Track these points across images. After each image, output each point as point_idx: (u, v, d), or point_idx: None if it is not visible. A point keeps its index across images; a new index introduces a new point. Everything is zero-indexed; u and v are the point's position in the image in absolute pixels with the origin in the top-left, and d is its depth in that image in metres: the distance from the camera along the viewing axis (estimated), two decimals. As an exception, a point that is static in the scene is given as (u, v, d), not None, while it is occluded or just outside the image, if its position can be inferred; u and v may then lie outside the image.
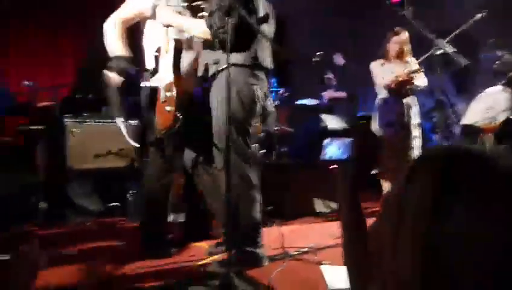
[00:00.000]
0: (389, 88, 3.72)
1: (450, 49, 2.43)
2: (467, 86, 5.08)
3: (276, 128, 4.28)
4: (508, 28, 4.97)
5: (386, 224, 0.63)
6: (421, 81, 3.70)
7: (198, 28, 2.16)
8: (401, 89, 3.71)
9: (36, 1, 4.91)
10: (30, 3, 4.88)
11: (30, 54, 5.03)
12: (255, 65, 2.18)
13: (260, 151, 3.82)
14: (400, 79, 3.61)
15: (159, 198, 2.45)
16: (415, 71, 3.57)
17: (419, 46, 3.60)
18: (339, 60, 5.53)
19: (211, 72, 2.23)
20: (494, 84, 3.80)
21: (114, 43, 2.35)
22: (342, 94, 5.39)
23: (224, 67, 2.10)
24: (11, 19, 4.85)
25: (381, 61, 3.83)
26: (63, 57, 5.18)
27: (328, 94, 5.46)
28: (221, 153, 2.17)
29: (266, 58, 2.24)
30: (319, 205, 3.57)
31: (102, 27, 2.38)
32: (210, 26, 2.09)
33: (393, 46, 3.74)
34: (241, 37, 2.06)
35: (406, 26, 3.55)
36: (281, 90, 4.86)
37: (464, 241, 0.54)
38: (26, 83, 4.29)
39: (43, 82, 4.68)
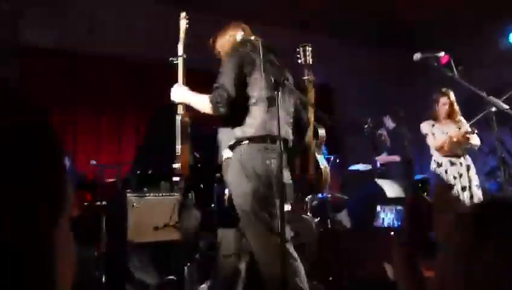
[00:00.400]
0: (444, 150, 3.63)
1: (503, 106, 2.37)
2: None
3: (329, 196, 4.23)
4: None
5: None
6: (475, 140, 3.60)
7: (202, 104, 2.18)
8: (456, 149, 3.62)
9: (100, 85, 5.43)
10: (94, 87, 5.41)
11: (95, 133, 5.48)
12: (266, 137, 2.12)
13: (315, 220, 3.76)
14: (455, 140, 3.53)
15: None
16: (470, 132, 3.50)
17: (469, 106, 3.55)
18: (389, 123, 5.51)
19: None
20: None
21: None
22: (395, 158, 5.29)
23: (233, 142, 2.14)
24: (78, 104, 5.37)
25: (431, 122, 3.80)
26: (125, 136, 5.59)
27: (382, 158, 5.38)
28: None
29: (280, 128, 2.05)
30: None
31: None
32: (211, 102, 2.11)
33: (442, 106, 3.73)
34: (237, 110, 2.08)
35: (455, 86, 3.53)
36: (332, 157, 4.87)
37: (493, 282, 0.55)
38: (93, 162, 4.65)
39: (107, 160, 5.05)
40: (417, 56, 2.59)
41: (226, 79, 2.09)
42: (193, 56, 2.46)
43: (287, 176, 2.21)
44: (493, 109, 2.40)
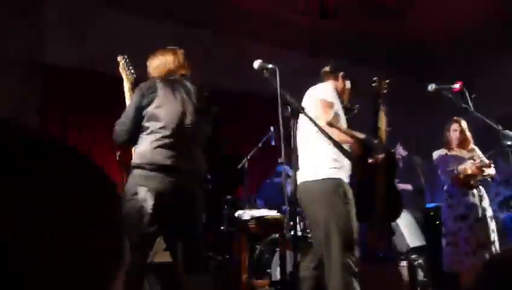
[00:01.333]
0: (457, 180, 3.60)
1: (520, 140, 2.37)
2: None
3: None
4: None
5: None
6: (491, 171, 3.56)
7: None
8: (469, 180, 3.58)
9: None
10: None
11: (111, 153, 5.53)
12: (144, 165, 2.22)
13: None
14: (469, 172, 3.50)
15: None
16: (486, 165, 3.48)
17: (486, 133, 3.54)
18: (400, 151, 5.48)
19: None
20: None
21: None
22: (407, 186, 5.23)
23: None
24: (98, 123, 5.45)
25: (444, 150, 3.78)
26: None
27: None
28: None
29: (169, 157, 2.23)
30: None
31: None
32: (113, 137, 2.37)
33: (452, 133, 3.72)
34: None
35: (470, 114, 3.54)
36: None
37: None
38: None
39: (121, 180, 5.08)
40: (431, 87, 2.61)
41: (125, 114, 2.30)
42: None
43: None
44: (509, 142, 2.39)
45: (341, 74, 2.77)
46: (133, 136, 2.24)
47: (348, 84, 2.78)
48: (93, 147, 5.39)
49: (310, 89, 2.69)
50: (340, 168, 2.45)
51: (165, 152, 2.15)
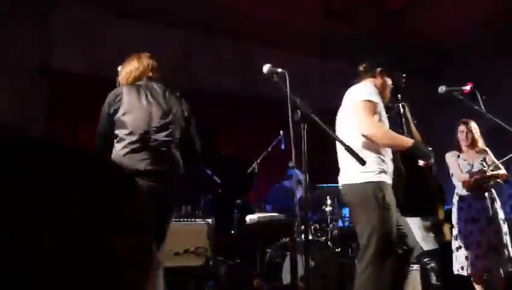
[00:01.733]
0: (468, 184, 3.56)
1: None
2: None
3: (350, 225, 4.17)
4: None
5: None
6: (503, 172, 3.53)
7: None
8: (481, 184, 3.55)
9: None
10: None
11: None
12: None
13: (336, 250, 3.71)
14: (479, 176, 3.48)
15: None
16: (500, 176, 3.46)
17: (500, 134, 3.50)
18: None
19: None
20: None
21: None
22: None
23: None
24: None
25: (456, 152, 3.75)
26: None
27: None
28: None
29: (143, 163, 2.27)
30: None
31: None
32: None
33: (460, 134, 3.71)
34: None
35: (481, 116, 3.51)
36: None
37: None
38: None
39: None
40: (442, 89, 2.59)
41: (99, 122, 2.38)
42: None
43: None
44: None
45: (379, 70, 2.61)
46: (109, 144, 2.30)
47: (388, 80, 2.62)
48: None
49: (349, 90, 2.57)
50: (381, 172, 2.36)
51: (135, 156, 2.19)
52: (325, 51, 6.31)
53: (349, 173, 2.40)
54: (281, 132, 3.94)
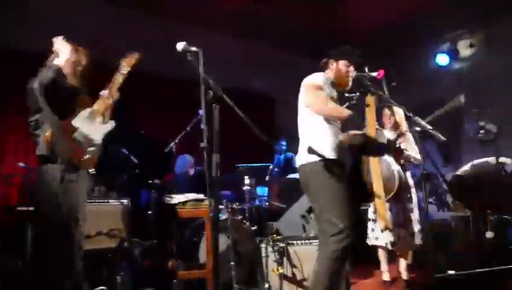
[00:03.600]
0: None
1: (427, 127, 2.58)
2: (452, 155, 5.22)
3: (267, 204, 4.31)
4: (488, 100, 5.24)
5: None
6: (414, 153, 3.80)
7: None
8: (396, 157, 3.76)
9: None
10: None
11: (25, 137, 5.16)
12: None
13: (252, 228, 3.81)
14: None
15: None
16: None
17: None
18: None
19: None
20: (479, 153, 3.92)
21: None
22: None
23: None
24: (9, 103, 5.04)
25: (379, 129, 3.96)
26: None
27: None
28: None
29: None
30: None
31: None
32: None
33: (385, 118, 3.94)
34: None
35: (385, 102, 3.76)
36: (271, 166, 4.96)
37: None
38: (21, 164, 4.37)
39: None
40: (352, 74, 2.72)
41: None
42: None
43: None
44: (417, 128, 2.59)
45: (332, 59, 2.78)
46: None
47: (343, 68, 2.74)
48: (2, 127, 5.01)
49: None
50: (327, 147, 2.56)
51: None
52: (250, 32, 6.34)
53: (302, 153, 2.62)
54: (200, 112, 3.89)
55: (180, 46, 2.17)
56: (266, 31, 6.45)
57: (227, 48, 6.16)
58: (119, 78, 2.83)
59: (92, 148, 2.68)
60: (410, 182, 3.89)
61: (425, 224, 3.65)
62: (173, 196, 3.52)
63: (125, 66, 2.85)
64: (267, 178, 4.62)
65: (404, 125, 3.94)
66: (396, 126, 3.94)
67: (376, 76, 2.93)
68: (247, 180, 4.07)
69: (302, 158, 2.62)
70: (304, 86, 2.68)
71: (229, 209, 3.60)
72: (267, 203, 4.29)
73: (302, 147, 2.64)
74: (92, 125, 2.70)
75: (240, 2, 5.72)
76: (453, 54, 6.80)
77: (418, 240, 3.67)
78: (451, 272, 2.61)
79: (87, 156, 2.65)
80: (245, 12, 5.93)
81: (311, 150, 2.56)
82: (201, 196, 3.44)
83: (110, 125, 2.83)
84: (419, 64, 7.03)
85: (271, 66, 6.67)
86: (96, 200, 3.66)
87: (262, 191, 4.86)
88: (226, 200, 3.74)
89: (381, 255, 3.89)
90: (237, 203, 4.01)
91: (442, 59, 6.86)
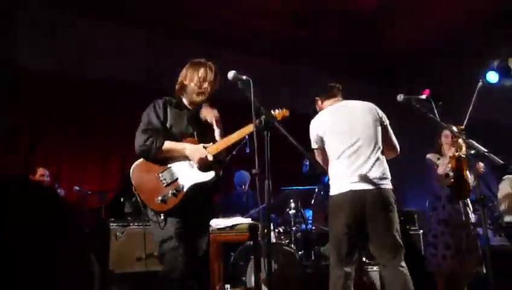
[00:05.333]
0: (444, 180, 3.64)
1: (482, 150, 2.48)
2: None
3: (313, 228, 4.25)
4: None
5: None
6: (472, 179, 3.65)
7: None
8: (460, 187, 3.61)
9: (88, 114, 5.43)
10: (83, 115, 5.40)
11: (80, 161, 5.42)
12: None
13: (299, 252, 3.77)
14: (451, 154, 3.57)
15: None
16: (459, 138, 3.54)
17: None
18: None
19: None
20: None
21: None
22: None
23: None
24: (64, 129, 5.34)
25: (437, 155, 3.86)
26: (111, 163, 5.54)
27: None
28: None
29: None
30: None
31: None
32: None
33: (445, 140, 3.82)
34: None
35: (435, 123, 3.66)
36: (316, 189, 4.90)
37: None
38: (76, 188, 4.59)
39: (92, 187, 4.98)
40: (400, 97, 2.68)
41: None
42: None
43: None
44: (472, 151, 2.50)
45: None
46: None
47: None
48: (59, 151, 5.28)
49: (368, 104, 2.80)
50: None
51: None
52: (288, 56, 6.40)
53: (385, 177, 2.62)
54: (246, 136, 3.94)
55: (231, 75, 2.23)
56: (305, 53, 6.50)
57: (265, 69, 6.25)
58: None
59: None
60: (470, 209, 3.74)
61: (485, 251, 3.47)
62: (220, 219, 3.56)
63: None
64: (312, 201, 4.57)
65: (464, 148, 3.79)
66: (456, 145, 3.80)
67: (423, 97, 2.89)
68: (292, 204, 4.05)
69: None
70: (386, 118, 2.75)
71: (276, 233, 3.59)
72: (313, 228, 4.23)
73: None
74: None
75: (279, 27, 5.83)
76: (504, 71, 6.54)
77: (483, 268, 3.50)
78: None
79: None
80: (285, 39, 6.02)
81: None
82: (249, 220, 3.46)
83: None
84: (469, 82, 6.80)
85: (310, 86, 6.70)
86: (148, 224, 3.76)
87: (308, 214, 4.81)
88: (273, 223, 3.73)
89: (441, 282, 3.70)
90: (283, 227, 3.99)
91: (493, 76, 6.60)
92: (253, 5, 5.39)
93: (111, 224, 3.73)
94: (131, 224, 3.80)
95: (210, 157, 2.40)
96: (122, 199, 4.52)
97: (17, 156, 4.91)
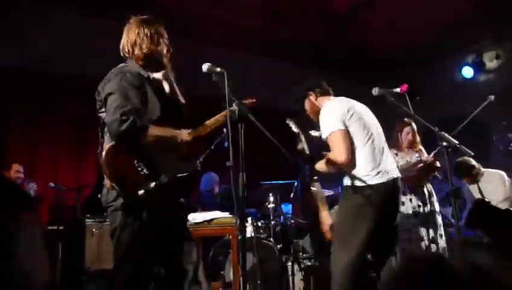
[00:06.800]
0: (409, 179, 3.71)
1: (454, 142, 2.52)
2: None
3: (292, 221, 4.27)
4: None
5: None
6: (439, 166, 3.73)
7: None
8: (424, 179, 3.71)
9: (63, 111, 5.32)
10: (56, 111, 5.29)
11: (56, 157, 5.32)
12: None
13: (278, 246, 3.79)
14: (428, 162, 3.63)
15: None
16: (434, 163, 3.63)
17: (428, 135, 3.72)
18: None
19: None
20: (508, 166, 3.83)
21: None
22: None
23: None
24: (38, 125, 5.22)
25: (394, 150, 3.91)
26: (87, 158, 5.44)
27: None
28: None
29: None
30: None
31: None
32: None
33: (405, 135, 3.85)
34: None
35: (408, 117, 3.72)
36: (296, 183, 4.92)
37: None
38: (52, 184, 4.50)
39: (68, 184, 4.87)
40: (375, 91, 2.71)
41: None
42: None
43: None
44: (444, 143, 2.53)
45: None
46: None
47: None
48: (32, 148, 5.17)
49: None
50: None
51: None
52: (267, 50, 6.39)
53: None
54: (224, 130, 3.93)
55: (205, 67, 2.21)
56: (286, 50, 6.50)
57: (247, 66, 6.23)
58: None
59: None
60: (434, 197, 3.82)
61: (455, 241, 3.54)
62: (198, 214, 3.54)
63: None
64: (291, 195, 4.59)
65: (419, 142, 3.88)
66: (414, 144, 3.87)
67: (399, 91, 2.92)
68: (271, 198, 4.06)
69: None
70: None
71: (255, 227, 3.60)
72: (292, 221, 4.25)
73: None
74: None
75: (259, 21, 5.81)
76: (479, 66, 6.68)
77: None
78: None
79: None
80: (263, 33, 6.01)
81: None
82: (226, 214, 3.46)
83: None
84: (444, 77, 6.93)
85: (292, 84, 6.71)
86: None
87: (287, 208, 4.83)
88: (251, 217, 3.74)
89: None
90: (262, 221, 4.00)
91: (468, 71, 6.74)
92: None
93: (87, 220, 3.67)
94: (107, 220, 3.74)
95: (188, 137, 2.22)
96: (99, 195, 4.45)
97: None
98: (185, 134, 2.23)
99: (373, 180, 2.53)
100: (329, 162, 2.60)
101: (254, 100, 2.54)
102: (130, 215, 2.09)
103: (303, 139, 2.91)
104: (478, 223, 3.88)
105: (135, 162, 2.09)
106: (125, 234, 2.10)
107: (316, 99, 2.88)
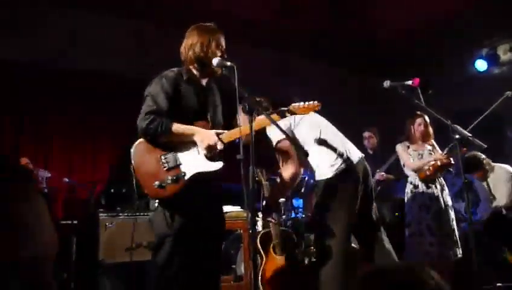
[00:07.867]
0: (422, 173, 3.69)
1: (466, 134, 2.50)
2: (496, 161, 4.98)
3: (303, 216, 4.27)
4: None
5: None
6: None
7: None
8: (437, 174, 3.69)
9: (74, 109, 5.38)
10: (69, 109, 5.35)
11: (70, 151, 5.38)
12: None
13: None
14: (439, 163, 3.61)
15: None
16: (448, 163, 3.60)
17: (440, 128, 3.70)
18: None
19: None
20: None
21: None
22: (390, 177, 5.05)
23: None
24: (52, 121, 5.29)
25: (407, 143, 3.89)
26: (100, 154, 5.50)
27: (379, 175, 4.97)
28: None
29: None
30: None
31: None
32: None
33: (417, 127, 3.83)
34: None
35: (420, 110, 3.69)
36: (306, 177, 4.92)
37: None
38: (66, 179, 4.57)
39: (82, 178, 4.94)
40: (387, 83, 2.69)
41: None
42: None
43: None
44: (457, 136, 2.51)
45: None
46: None
47: None
48: (47, 143, 5.24)
49: None
50: None
51: None
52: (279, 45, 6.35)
53: None
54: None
55: (215, 61, 2.23)
56: (295, 42, 6.46)
57: (255, 59, 6.21)
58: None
59: None
60: (446, 191, 3.78)
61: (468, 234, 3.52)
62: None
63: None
64: (302, 189, 4.59)
65: (432, 136, 3.85)
66: (427, 138, 3.84)
67: (411, 84, 2.89)
68: (282, 192, 4.04)
69: None
70: None
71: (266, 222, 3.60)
72: (303, 215, 4.25)
73: None
74: None
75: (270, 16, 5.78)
76: (492, 59, 6.56)
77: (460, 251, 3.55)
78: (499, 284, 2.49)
79: None
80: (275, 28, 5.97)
81: None
82: (237, 208, 3.47)
83: None
84: (457, 70, 6.83)
85: (301, 76, 6.67)
86: (138, 214, 3.76)
87: (298, 203, 4.83)
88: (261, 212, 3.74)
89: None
90: (273, 215, 4.00)
91: (481, 64, 6.63)
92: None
93: (100, 215, 3.72)
94: (120, 214, 3.80)
95: (220, 146, 2.20)
96: (112, 190, 4.51)
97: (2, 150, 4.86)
98: (212, 137, 2.22)
99: (339, 168, 2.58)
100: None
101: (318, 104, 2.32)
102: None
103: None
104: (495, 233, 3.88)
105: (159, 156, 2.19)
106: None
107: None
